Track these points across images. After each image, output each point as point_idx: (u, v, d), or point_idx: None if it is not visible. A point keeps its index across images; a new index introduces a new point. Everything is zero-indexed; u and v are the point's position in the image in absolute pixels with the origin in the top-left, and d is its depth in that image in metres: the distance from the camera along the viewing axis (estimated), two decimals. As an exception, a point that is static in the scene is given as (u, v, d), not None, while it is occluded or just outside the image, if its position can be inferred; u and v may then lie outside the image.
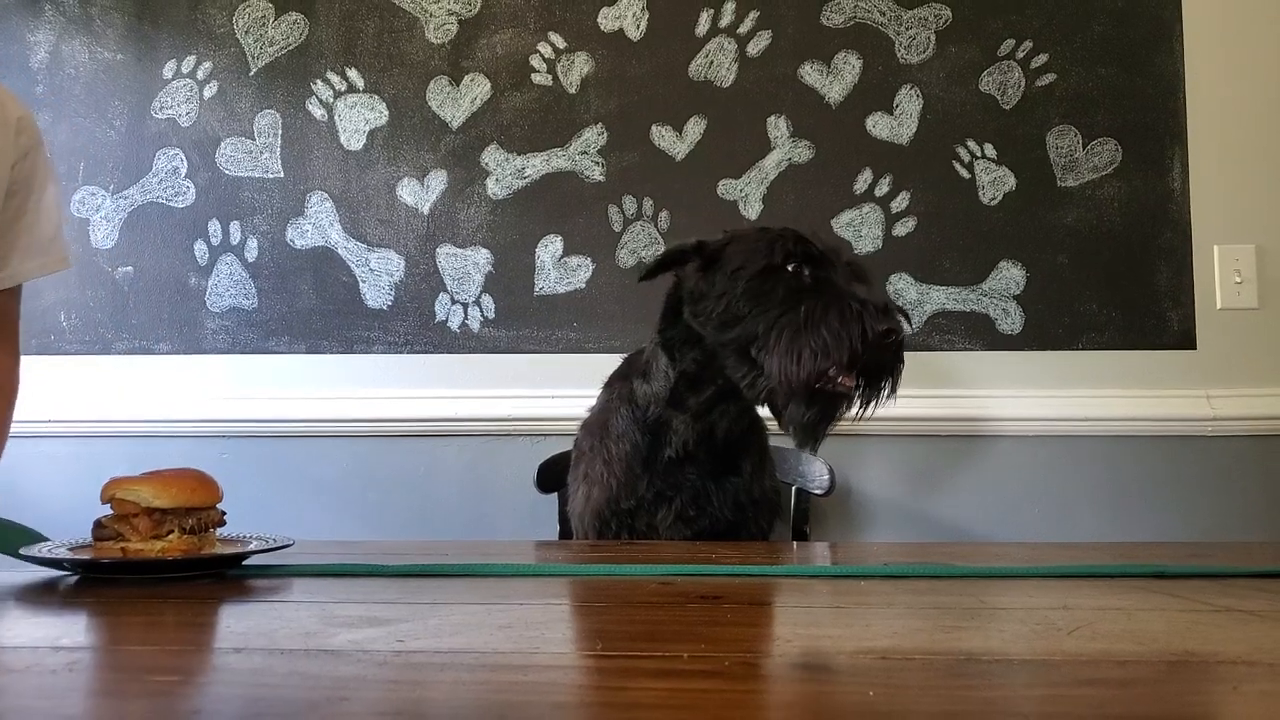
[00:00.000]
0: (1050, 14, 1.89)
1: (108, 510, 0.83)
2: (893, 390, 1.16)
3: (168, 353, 1.93)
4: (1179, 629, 0.60)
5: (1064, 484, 1.80)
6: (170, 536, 0.81)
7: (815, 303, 1.11)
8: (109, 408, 1.90)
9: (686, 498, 1.26)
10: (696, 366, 1.24)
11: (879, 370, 1.14)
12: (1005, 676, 0.48)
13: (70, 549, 0.84)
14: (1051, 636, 0.57)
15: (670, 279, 1.30)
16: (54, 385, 1.92)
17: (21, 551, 0.83)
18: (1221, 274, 1.82)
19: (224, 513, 0.88)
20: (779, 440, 1.38)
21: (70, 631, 0.61)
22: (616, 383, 1.36)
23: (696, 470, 1.27)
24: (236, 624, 0.63)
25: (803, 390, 1.11)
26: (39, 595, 0.75)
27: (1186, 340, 1.82)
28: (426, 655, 0.53)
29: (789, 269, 1.15)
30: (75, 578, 0.81)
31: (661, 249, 1.87)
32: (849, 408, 1.16)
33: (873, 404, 1.15)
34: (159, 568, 0.79)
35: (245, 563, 0.85)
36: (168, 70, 1.97)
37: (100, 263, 1.95)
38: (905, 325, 1.13)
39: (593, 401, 1.41)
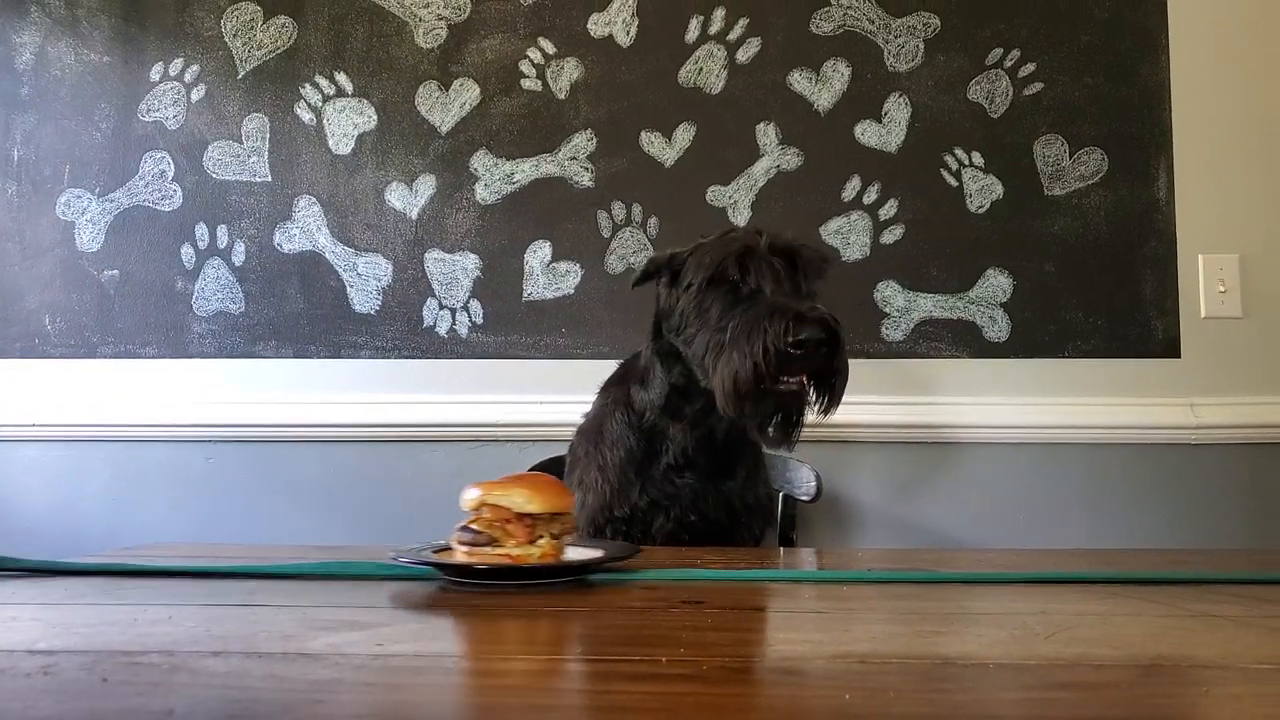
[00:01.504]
0: (1038, 24, 1.90)
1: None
2: (831, 399, 1.14)
3: (154, 357, 1.92)
4: (1154, 634, 0.60)
5: (1049, 491, 1.81)
6: (541, 542, 0.81)
7: (739, 320, 1.11)
8: (94, 412, 1.89)
9: (684, 504, 1.26)
10: (684, 379, 1.25)
11: (821, 376, 1.12)
12: (981, 680, 0.48)
13: (434, 552, 0.85)
14: (1029, 641, 0.57)
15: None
16: (38, 389, 1.91)
17: (391, 556, 0.83)
18: (1206, 283, 1.84)
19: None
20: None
21: (47, 634, 0.61)
22: (613, 388, 1.36)
23: (693, 475, 1.27)
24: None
25: (736, 408, 1.11)
26: (20, 597, 0.74)
27: (1171, 349, 1.83)
28: (405, 659, 0.53)
29: (730, 280, 1.15)
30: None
31: (650, 255, 1.88)
32: (807, 407, 1.14)
33: (823, 408, 1.14)
34: (542, 574, 0.80)
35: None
36: (155, 73, 1.96)
37: (86, 266, 1.94)
38: (822, 332, 1.08)
39: (581, 407, 1.41)
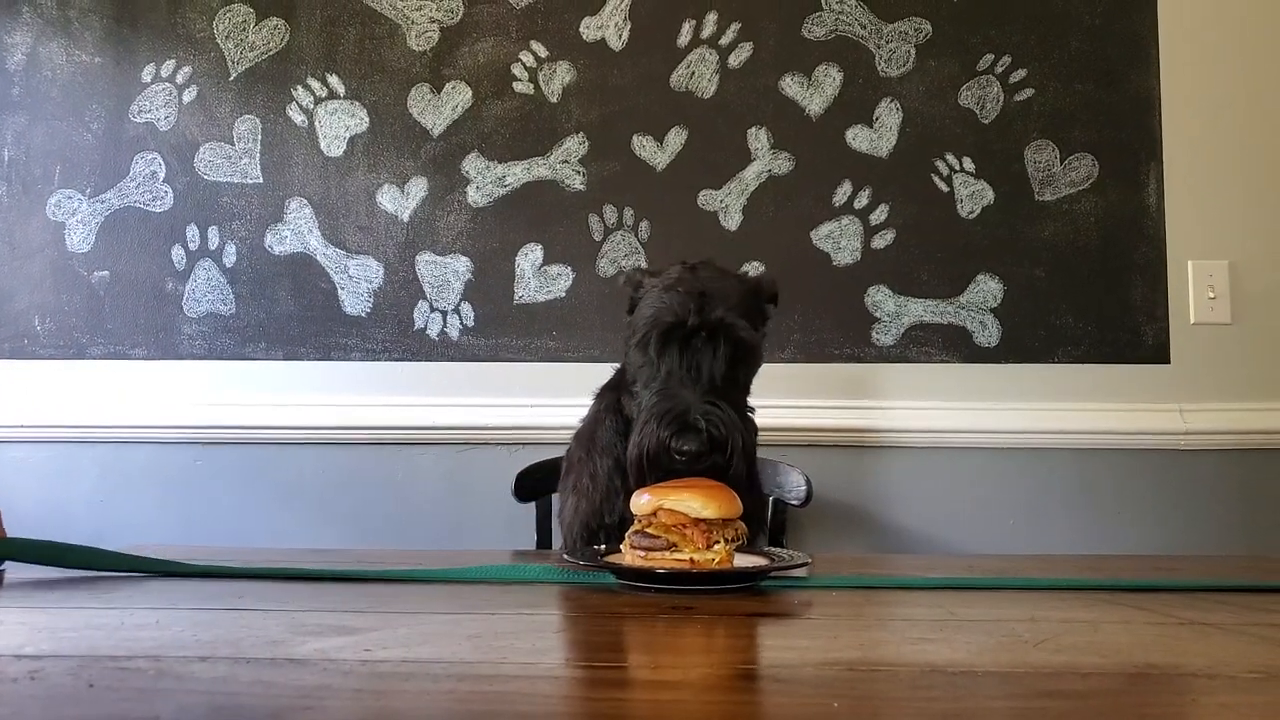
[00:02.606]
0: (1029, 30, 1.91)
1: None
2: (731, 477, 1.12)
3: (143, 358, 1.91)
4: (1143, 641, 0.60)
5: (1038, 496, 1.82)
6: (717, 547, 0.81)
7: (651, 397, 1.11)
8: (83, 413, 1.88)
9: None
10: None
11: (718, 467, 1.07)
12: (969, 688, 0.48)
13: (602, 556, 0.85)
14: (1017, 648, 0.57)
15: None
16: (27, 390, 1.90)
17: (566, 557, 0.85)
18: (1195, 289, 1.85)
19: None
20: (762, 452, 1.38)
21: (34, 639, 0.61)
22: (606, 393, 1.36)
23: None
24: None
25: (636, 478, 1.07)
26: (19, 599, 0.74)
27: (1160, 354, 1.84)
28: (393, 665, 0.52)
29: (654, 345, 1.13)
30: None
31: (642, 258, 1.88)
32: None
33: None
34: (723, 579, 0.80)
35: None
36: (146, 74, 1.96)
37: (76, 266, 1.93)
38: (704, 445, 1.02)
39: (573, 410, 1.41)
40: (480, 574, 0.86)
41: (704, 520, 0.81)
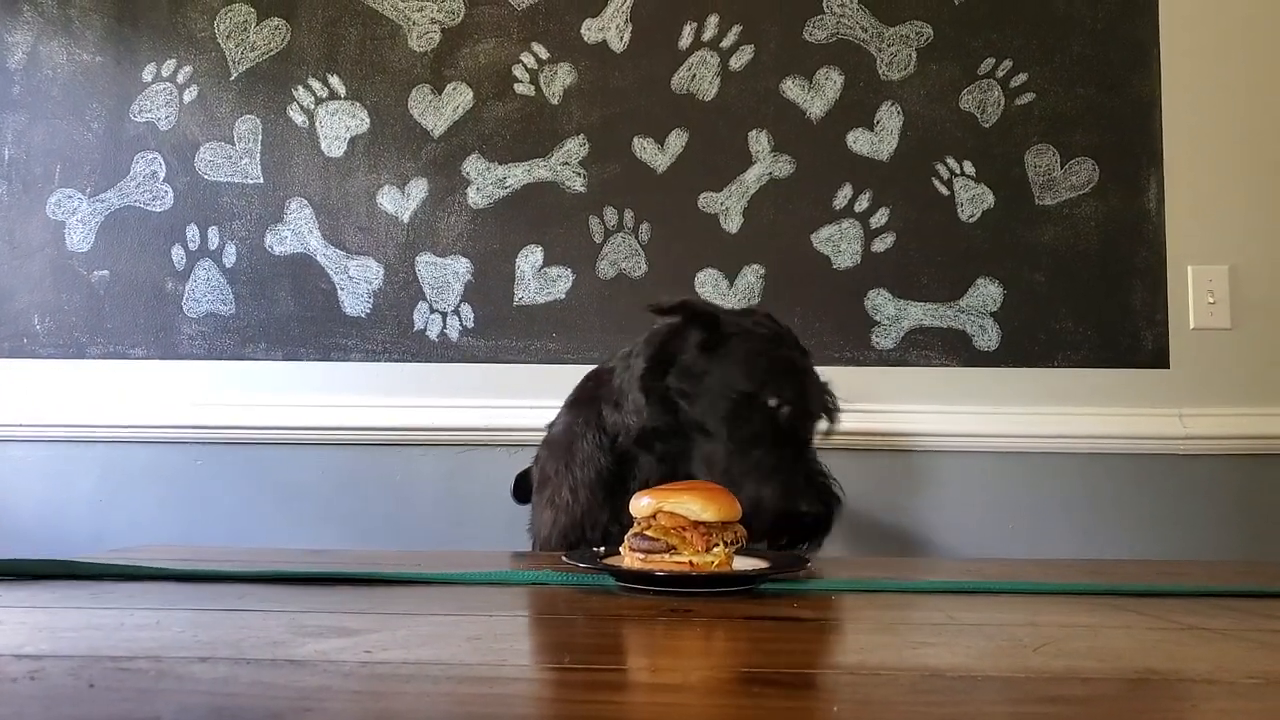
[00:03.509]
0: (1030, 34, 1.91)
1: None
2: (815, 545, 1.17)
3: (143, 358, 1.91)
4: (1144, 647, 0.60)
5: (1038, 500, 1.82)
6: (716, 550, 0.81)
7: (768, 465, 1.15)
8: (82, 413, 1.88)
9: None
10: (668, 428, 1.22)
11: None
12: (969, 693, 0.48)
13: (601, 559, 0.86)
14: (1017, 653, 0.57)
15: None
16: (26, 389, 1.90)
17: (565, 559, 0.85)
18: (1195, 294, 1.85)
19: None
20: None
21: (34, 639, 0.61)
22: (584, 405, 1.34)
23: None
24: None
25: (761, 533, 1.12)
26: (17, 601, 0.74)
27: (1160, 359, 1.84)
28: (393, 666, 0.52)
29: (768, 403, 1.18)
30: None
31: (642, 260, 1.88)
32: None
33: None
34: (722, 581, 0.80)
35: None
36: (147, 74, 1.96)
37: (76, 266, 1.93)
38: (829, 502, 1.15)
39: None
40: (480, 577, 0.86)
41: (703, 523, 0.82)
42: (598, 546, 1.23)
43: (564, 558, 0.87)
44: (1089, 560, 1.27)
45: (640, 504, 0.84)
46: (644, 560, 0.81)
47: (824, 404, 1.24)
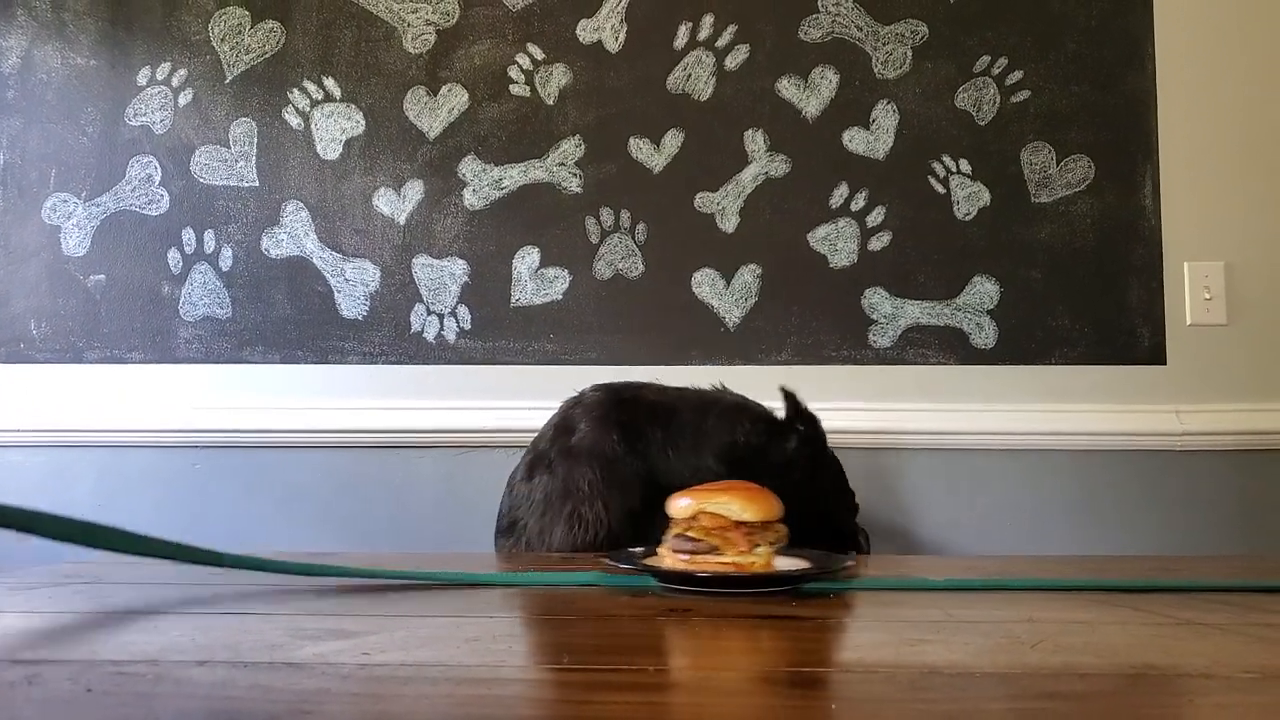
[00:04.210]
0: (1025, 32, 1.91)
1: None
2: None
3: (140, 362, 1.91)
4: (1140, 642, 0.60)
5: (1035, 497, 1.82)
6: (760, 550, 0.81)
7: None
8: (80, 417, 1.87)
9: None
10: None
11: None
12: (966, 689, 0.48)
13: (640, 559, 0.86)
14: (1015, 650, 0.57)
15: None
16: (23, 394, 1.89)
17: (608, 560, 0.86)
18: (1191, 290, 1.85)
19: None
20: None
21: (32, 643, 0.60)
22: (625, 428, 1.32)
23: None
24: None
25: None
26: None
27: (1157, 356, 1.84)
28: (391, 668, 0.52)
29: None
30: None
31: (639, 261, 1.88)
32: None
33: None
34: (766, 582, 0.80)
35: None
36: (142, 77, 1.95)
37: (72, 271, 1.93)
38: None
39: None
40: (525, 579, 0.86)
41: (745, 523, 0.81)
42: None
43: (606, 559, 0.87)
44: (1086, 557, 1.27)
45: (679, 504, 0.83)
46: (688, 561, 0.81)
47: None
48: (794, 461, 1.33)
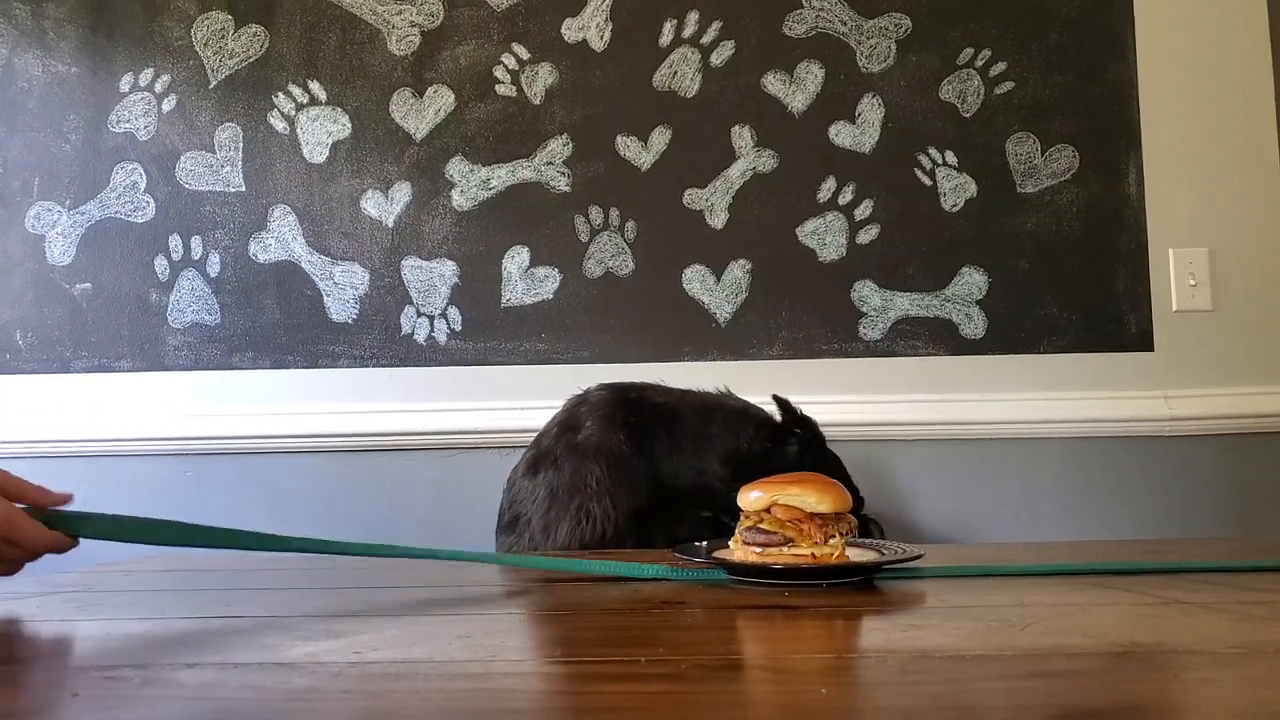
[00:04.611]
0: (1007, 23, 1.92)
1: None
2: None
3: (128, 370, 1.90)
4: (1129, 622, 0.61)
5: (1027, 485, 1.82)
6: (834, 541, 0.80)
7: None
8: (68, 427, 1.86)
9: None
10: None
11: None
12: (957, 672, 0.48)
13: (709, 554, 0.85)
14: (1006, 632, 0.58)
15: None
16: (10, 405, 1.89)
17: (677, 553, 0.86)
18: (1177, 277, 1.86)
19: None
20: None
21: (17, 649, 0.60)
22: (630, 428, 1.34)
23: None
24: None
25: None
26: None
27: (1144, 342, 1.85)
28: (382, 666, 0.52)
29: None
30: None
31: (629, 258, 1.88)
32: None
33: None
34: (841, 573, 0.79)
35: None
36: (125, 84, 1.95)
37: (57, 279, 1.92)
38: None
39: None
40: (599, 568, 0.85)
41: (819, 515, 0.80)
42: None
43: (675, 552, 0.86)
44: (1078, 542, 1.28)
45: (751, 496, 0.82)
46: (761, 553, 0.80)
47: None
48: (798, 464, 1.35)
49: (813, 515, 0.80)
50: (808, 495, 0.80)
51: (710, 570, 0.83)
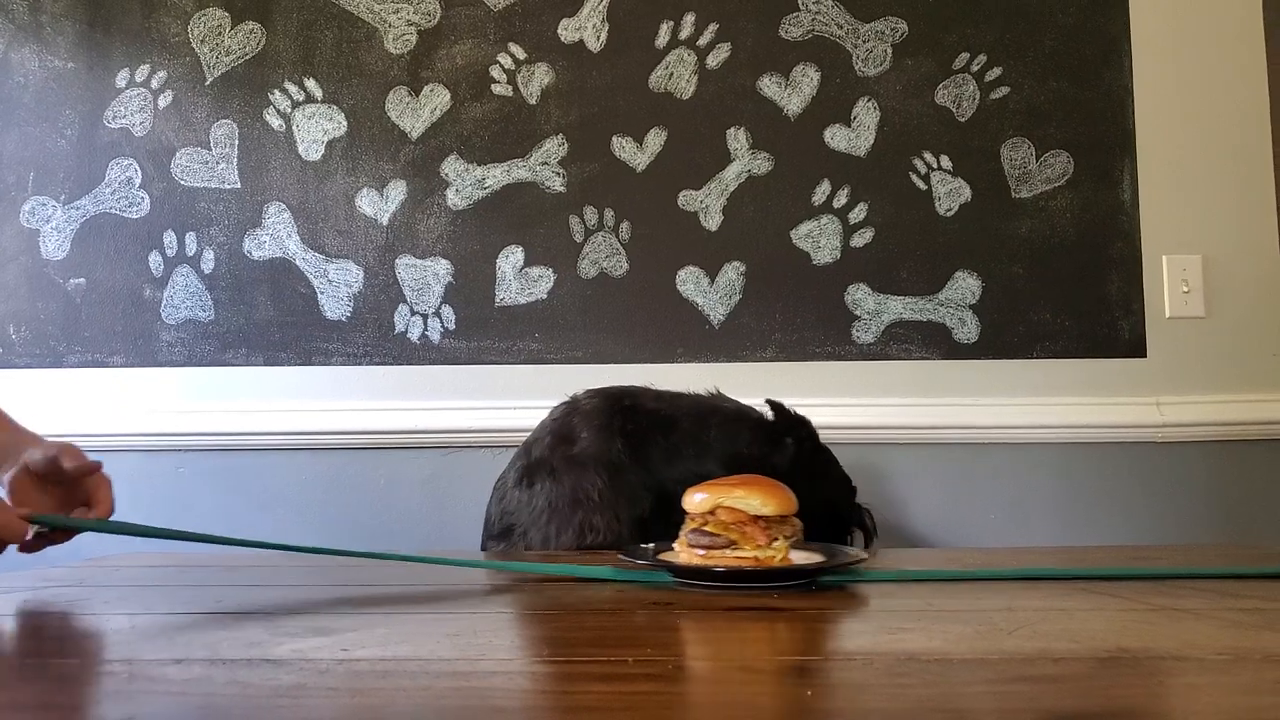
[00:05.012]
0: (1003, 29, 1.92)
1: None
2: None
3: (122, 366, 1.89)
4: (1116, 628, 0.61)
5: (1019, 490, 1.83)
6: (777, 544, 0.80)
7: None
8: (61, 422, 1.85)
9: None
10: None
11: None
12: (942, 675, 0.49)
13: (658, 555, 0.85)
14: (993, 636, 0.58)
15: None
16: (3, 400, 1.87)
17: (622, 555, 0.86)
18: (1170, 283, 1.86)
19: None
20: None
21: (4, 643, 0.60)
22: (628, 436, 1.34)
23: None
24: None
25: None
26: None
27: (1137, 348, 1.86)
28: (370, 663, 0.52)
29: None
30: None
31: (623, 259, 1.88)
32: None
33: None
34: (784, 576, 0.79)
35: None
36: (121, 79, 1.94)
37: (51, 274, 1.91)
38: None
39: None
40: (541, 569, 0.86)
41: (763, 518, 0.80)
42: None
43: (620, 555, 0.87)
44: (1068, 547, 1.28)
45: (695, 499, 0.82)
46: (704, 556, 0.80)
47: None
48: (796, 463, 1.38)
49: (757, 518, 0.80)
50: (752, 498, 0.81)
51: (655, 572, 0.83)
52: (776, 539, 0.81)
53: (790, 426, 1.43)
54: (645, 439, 1.34)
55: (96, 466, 0.90)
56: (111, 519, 0.87)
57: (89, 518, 0.87)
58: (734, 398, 1.53)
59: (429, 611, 0.71)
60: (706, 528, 0.82)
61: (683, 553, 0.83)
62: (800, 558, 0.83)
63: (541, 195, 1.91)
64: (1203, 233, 1.87)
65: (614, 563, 0.88)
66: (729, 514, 0.81)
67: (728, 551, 0.80)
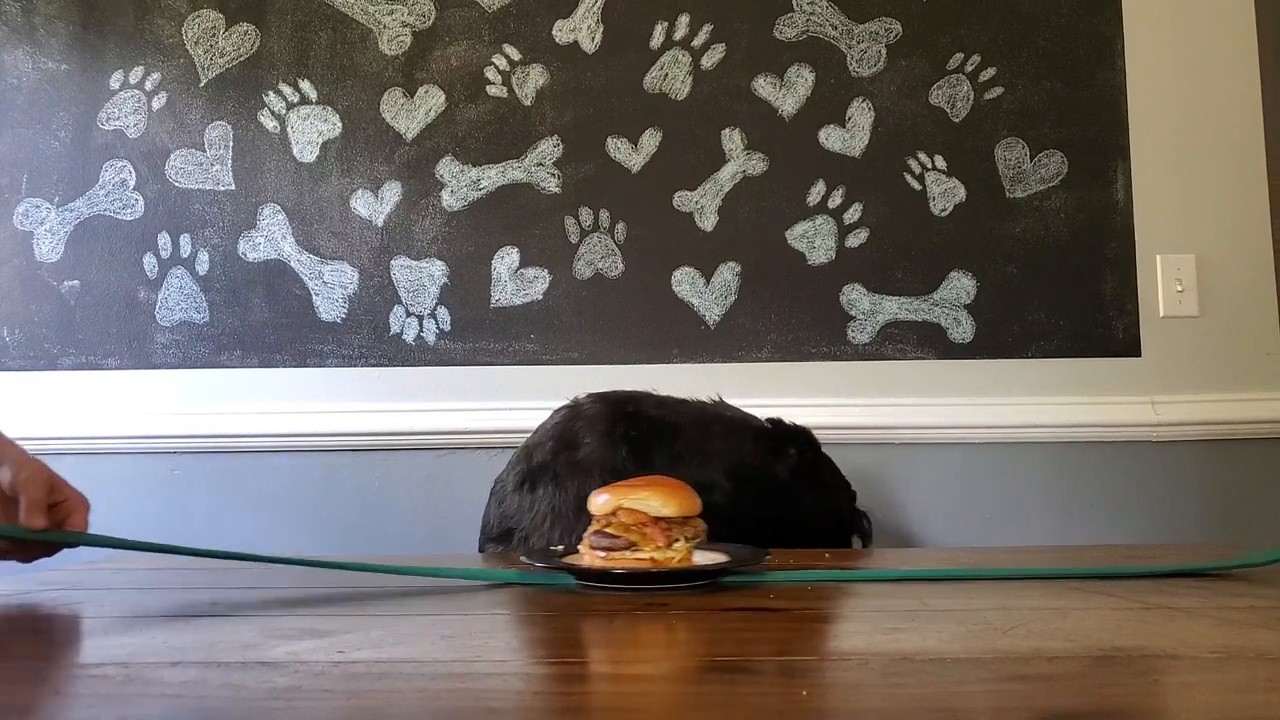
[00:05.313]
0: (997, 29, 1.93)
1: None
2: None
3: (116, 368, 1.89)
4: (1110, 626, 0.61)
5: (1014, 489, 1.83)
6: (678, 545, 0.80)
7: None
8: (55, 425, 1.85)
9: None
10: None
11: None
12: (937, 674, 0.49)
13: (560, 557, 0.85)
14: (987, 636, 0.58)
15: None
16: (-3, 402, 1.87)
17: (524, 558, 0.86)
18: (1164, 283, 1.87)
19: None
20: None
21: None
22: (630, 442, 1.35)
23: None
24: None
25: None
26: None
27: (1132, 348, 1.86)
28: (365, 665, 0.52)
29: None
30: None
31: (619, 260, 1.88)
32: None
33: None
34: (684, 577, 0.79)
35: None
36: (115, 81, 1.94)
37: (45, 276, 1.91)
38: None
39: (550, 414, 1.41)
40: (439, 572, 0.86)
41: (664, 519, 0.80)
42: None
43: (522, 557, 0.87)
44: (1063, 546, 1.28)
45: (598, 501, 0.83)
46: (605, 558, 0.81)
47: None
48: (798, 471, 1.41)
49: (657, 519, 0.80)
50: (653, 499, 0.81)
51: (556, 575, 0.83)
52: (677, 540, 0.81)
53: (792, 435, 1.45)
54: (649, 446, 1.34)
55: (42, 500, 0.88)
56: (79, 531, 0.86)
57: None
58: (732, 401, 1.53)
59: (423, 613, 0.71)
60: (608, 529, 0.82)
61: (586, 555, 0.83)
62: (701, 559, 0.83)
63: (537, 196, 1.91)
64: (1196, 232, 1.88)
65: (518, 565, 0.88)
66: (630, 515, 0.81)
67: (628, 553, 0.80)
